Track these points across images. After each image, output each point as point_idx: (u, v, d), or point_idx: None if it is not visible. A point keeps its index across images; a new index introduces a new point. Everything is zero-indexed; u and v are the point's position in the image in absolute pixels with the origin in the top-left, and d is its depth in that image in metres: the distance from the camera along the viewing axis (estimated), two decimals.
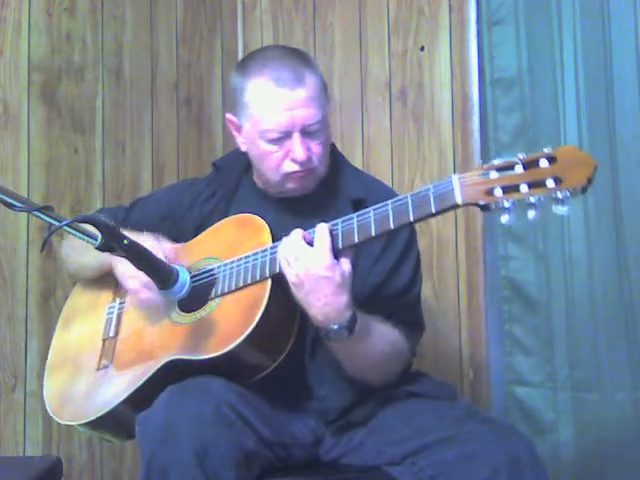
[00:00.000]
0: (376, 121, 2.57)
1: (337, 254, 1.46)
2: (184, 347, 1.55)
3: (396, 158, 2.52)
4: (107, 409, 1.58)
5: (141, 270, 1.47)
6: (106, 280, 1.75)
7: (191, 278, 1.51)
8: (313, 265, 1.44)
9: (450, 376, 2.34)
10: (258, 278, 1.54)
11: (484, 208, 1.33)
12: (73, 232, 1.43)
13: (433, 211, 1.38)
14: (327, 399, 1.63)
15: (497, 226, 2.30)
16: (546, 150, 1.31)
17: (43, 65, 2.22)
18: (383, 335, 1.55)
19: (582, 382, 2.16)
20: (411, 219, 1.40)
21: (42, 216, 1.42)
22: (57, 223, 1.41)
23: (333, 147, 1.76)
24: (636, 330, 2.09)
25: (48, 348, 1.82)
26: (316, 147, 1.63)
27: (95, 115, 2.37)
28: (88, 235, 1.42)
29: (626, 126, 2.11)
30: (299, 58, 1.65)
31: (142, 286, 1.60)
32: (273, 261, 1.53)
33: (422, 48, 2.50)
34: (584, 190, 1.27)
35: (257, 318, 1.48)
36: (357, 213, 1.47)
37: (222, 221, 1.71)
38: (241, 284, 1.56)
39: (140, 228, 1.69)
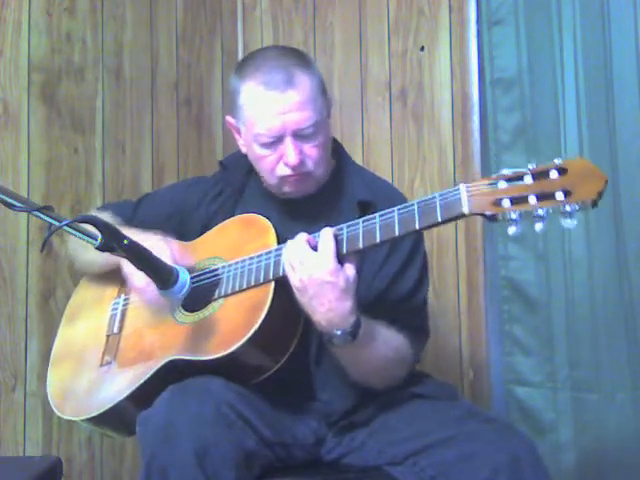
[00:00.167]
0: (376, 121, 2.57)
1: (341, 259, 1.45)
2: (186, 347, 1.55)
3: (396, 158, 2.52)
4: (109, 406, 1.58)
5: (141, 270, 1.47)
6: (111, 276, 1.74)
7: (195, 277, 1.51)
8: (317, 270, 1.44)
9: (450, 376, 2.34)
10: (262, 280, 1.53)
11: (491, 219, 1.31)
12: (73, 232, 1.43)
13: (439, 220, 1.36)
14: (330, 403, 1.63)
15: (497, 226, 2.30)
16: (557, 161, 1.29)
17: (43, 65, 2.22)
18: (387, 340, 1.54)
19: (582, 382, 2.16)
20: (417, 227, 1.39)
21: (42, 216, 1.42)
22: (57, 223, 1.41)
23: (339, 147, 1.75)
24: (636, 330, 2.09)
25: (48, 348, 1.82)
26: (311, 150, 1.61)
27: (95, 115, 2.37)
28: (88, 235, 1.42)
29: (626, 126, 2.11)
30: (295, 59, 1.62)
31: (148, 284, 1.59)
32: (277, 264, 1.52)
33: (422, 48, 2.50)
34: (594, 204, 1.24)
35: (260, 320, 1.47)
36: (363, 219, 1.46)
37: (227, 221, 1.71)
38: (245, 286, 1.55)
39: (147, 225, 1.69)
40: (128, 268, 1.64)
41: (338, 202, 1.70)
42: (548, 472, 1.43)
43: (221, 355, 1.47)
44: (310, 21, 2.71)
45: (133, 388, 1.56)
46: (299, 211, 1.69)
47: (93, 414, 1.60)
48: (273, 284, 1.52)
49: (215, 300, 1.59)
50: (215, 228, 1.72)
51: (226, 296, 1.58)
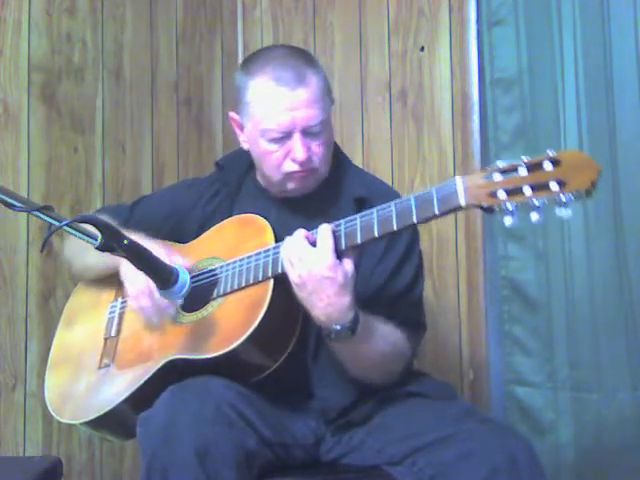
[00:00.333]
0: (376, 121, 2.57)
1: (340, 255, 1.46)
2: (185, 346, 1.55)
3: (396, 158, 2.52)
4: (108, 408, 1.58)
5: (141, 270, 1.47)
6: (108, 279, 1.75)
7: (193, 278, 1.51)
8: (316, 265, 1.44)
9: (450, 376, 2.34)
10: (260, 278, 1.54)
11: (487, 210, 1.33)
12: (73, 232, 1.43)
13: (436, 212, 1.38)
14: (328, 399, 1.63)
15: (497, 226, 2.30)
16: (550, 153, 1.30)
17: (43, 65, 2.22)
18: (385, 335, 1.55)
19: (582, 382, 2.16)
20: (414, 220, 1.40)
21: (42, 216, 1.42)
22: (57, 223, 1.41)
23: (337, 147, 1.76)
24: (636, 330, 2.09)
25: (48, 348, 1.82)
26: (317, 147, 1.63)
27: (95, 115, 2.38)
28: (88, 235, 1.42)
29: (626, 126, 2.11)
30: (303, 58, 1.65)
31: (140, 293, 1.59)
32: (276, 261, 1.53)
33: (422, 48, 2.50)
34: (588, 193, 1.26)
35: (259, 318, 1.48)
36: (360, 214, 1.47)
37: (225, 221, 1.71)
38: (243, 284, 1.56)
39: (143, 227, 1.69)
40: (124, 272, 1.64)
41: (335, 199, 1.70)
42: (545, 473, 1.43)
43: (221, 353, 1.48)
44: (310, 21, 2.71)
45: (132, 389, 1.56)
46: (297, 209, 1.70)
47: (92, 417, 1.60)
48: (272, 282, 1.52)
49: (214, 299, 1.59)
50: (212, 229, 1.73)
51: (225, 295, 1.58)
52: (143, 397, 1.51)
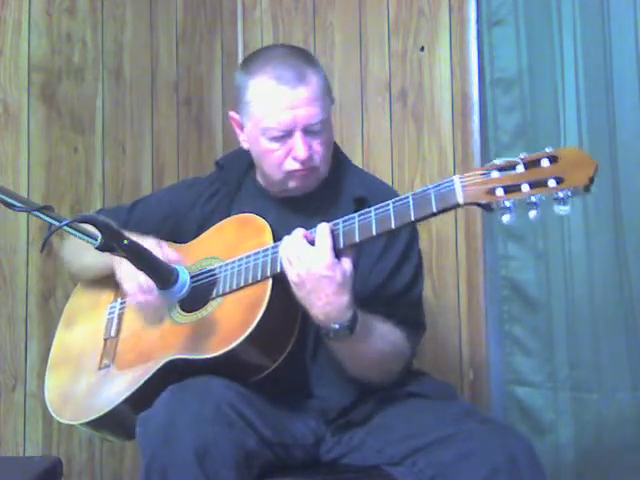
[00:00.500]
0: (376, 121, 2.57)
1: (338, 253, 1.46)
2: (185, 347, 1.55)
3: (396, 158, 2.52)
4: (108, 409, 1.58)
5: (141, 270, 1.47)
6: (107, 280, 1.74)
7: (192, 278, 1.51)
8: (314, 264, 1.44)
9: (450, 376, 2.34)
10: (259, 277, 1.54)
11: (485, 208, 1.33)
12: (73, 232, 1.43)
13: (434, 210, 1.38)
14: (327, 399, 1.63)
15: (497, 226, 2.30)
16: (547, 150, 1.31)
17: (43, 65, 2.22)
18: (384, 335, 1.55)
19: (582, 382, 2.16)
20: (412, 218, 1.40)
21: (42, 216, 1.42)
22: (57, 223, 1.41)
23: (336, 147, 1.76)
24: (636, 330, 2.09)
25: (48, 348, 1.82)
26: (318, 146, 1.63)
27: (95, 115, 2.38)
28: (88, 235, 1.42)
29: (626, 126, 2.11)
30: (303, 57, 1.65)
31: (140, 290, 1.60)
32: (274, 260, 1.53)
33: (422, 48, 2.50)
34: (586, 189, 1.27)
35: (258, 317, 1.48)
36: (358, 213, 1.47)
37: (223, 221, 1.71)
38: (242, 284, 1.56)
39: (142, 228, 1.69)
40: (120, 272, 1.65)
41: (335, 199, 1.70)
42: (545, 473, 1.43)
43: (220, 353, 1.47)
44: (310, 21, 2.71)
45: (133, 390, 1.56)
46: (296, 208, 1.70)
47: (92, 417, 1.60)
48: (271, 281, 1.52)
49: (213, 299, 1.59)
50: (211, 229, 1.73)
51: (224, 295, 1.58)
52: (143, 397, 1.51)
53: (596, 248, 2.14)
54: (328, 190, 1.71)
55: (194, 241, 1.74)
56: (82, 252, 1.73)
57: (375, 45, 2.58)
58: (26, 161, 2.16)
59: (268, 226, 1.62)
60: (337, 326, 1.46)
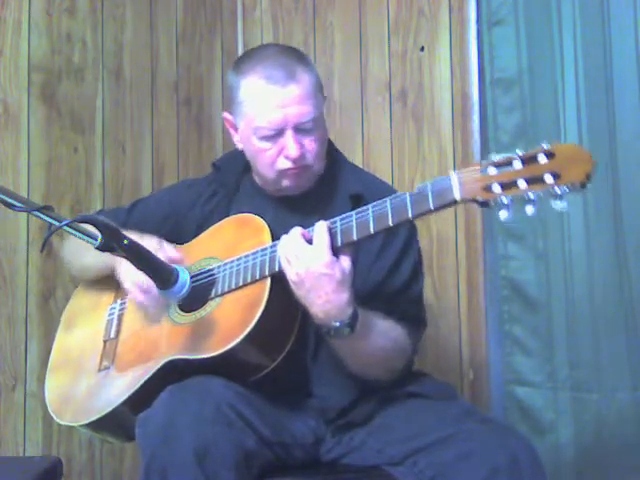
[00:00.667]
0: (376, 121, 2.57)
1: (336, 252, 1.46)
2: (184, 347, 1.55)
3: (396, 158, 2.52)
4: (108, 410, 1.58)
5: (141, 270, 1.47)
6: (107, 281, 1.75)
7: (192, 278, 1.51)
8: (313, 263, 1.44)
9: (450, 376, 2.34)
10: (258, 277, 1.54)
11: (482, 204, 1.34)
12: (73, 232, 1.43)
13: (431, 207, 1.38)
14: (327, 398, 1.63)
15: (497, 226, 2.30)
16: (544, 146, 1.31)
17: (43, 65, 2.22)
18: (385, 332, 1.55)
19: (582, 382, 2.16)
20: (410, 216, 1.40)
21: (42, 216, 1.42)
22: (57, 223, 1.40)
23: (331, 144, 1.76)
24: (636, 330, 2.09)
25: (48, 349, 1.82)
26: (310, 144, 1.63)
27: (95, 115, 2.38)
28: (88, 235, 1.42)
29: (626, 126, 2.11)
30: (293, 56, 1.65)
31: (140, 289, 1.60)
32: (273, 260, 1.53)
33: (422, 48, 2.50)
34: (583, 185, 1.27)
35: (257, 317, 1.48)
36: (356, 210, 1.47)
37: (222, 221, 1.71)
38: (241, 283, 1.56)
39: (141, 229, 1.69)
40: (121, 271, 1.65)
41: (331, 197, 1.70)
42: (546, 473, 1.43)
43: (219, 353, 1.47)
44: (310, 21, 2.71)
45: (132, 390, 1.56)
46: (293, 207, 1.70)
47: (93, 418, 1.60)
48: (269, 281, 1.52)
49: (212, 299, 1.59)
50: (210, 229, 1.73)
51: (223, 294, 1.58)
52: (143, 398, 1.51)
53: (596, 248, 2.14)
54: (324, 188, 1.71)
55: (193, 241, 1.74)
56: (82, 252, 1.74)
57: (375, 45, 2.58)
58: (26, 161, 2.16)
59: (266, 226, 1.61)
60: (337, 324, 1.46)
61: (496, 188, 1.31)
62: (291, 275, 1.47)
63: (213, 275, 1.62)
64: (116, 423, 1.62)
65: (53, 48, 2.25)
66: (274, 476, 1.50)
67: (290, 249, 1.48)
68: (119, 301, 1.75)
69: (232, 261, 1.60)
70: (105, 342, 1.71)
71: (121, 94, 2.47)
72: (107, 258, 1.60)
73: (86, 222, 1.42)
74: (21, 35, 2.16)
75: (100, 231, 1.40)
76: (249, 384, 1.53)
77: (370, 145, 2.57)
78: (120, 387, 1.59)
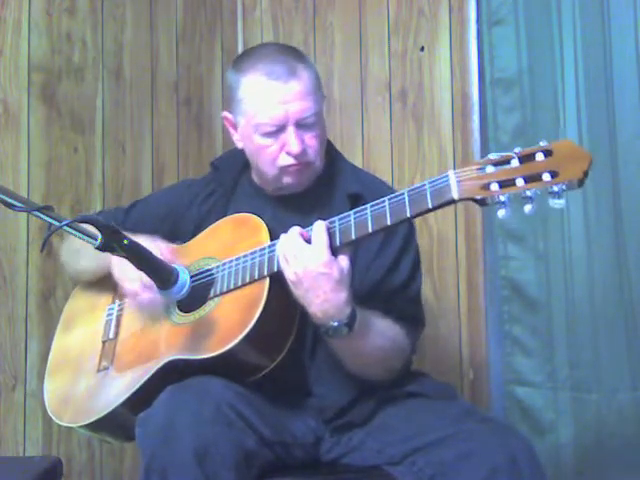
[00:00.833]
0: (376, 121, 2.57)
1: (335, 251, 1.46)
2: (183, 347, 1.55)
3: (396, 158, 2.52)
4: (107, 411, 1.58)
5: (141, 270, 1.47)
6: (105, 282, 1.74)
7: (190, 278, 1.51)
8: (311, 262, 1.45)
9: (450, 376, 2.34)
10: (256, 277, 1.54)
11: (480, 203, 1.34)
12: (73, 232, 1.43)
13: (430, 206, 1.38)
14: (325, 397, 1.63)
15: (497, 227, 2.30)
16: (542, 144, 1.32)
17: (43, 65, 2.22)
18: (383, 331, 1.55)
19: (582, 382, 2.16)
20: (408, 215, 1.41)
21: (42, 216, 1.42)
22: (57, 223, 1.40)
23: (329, 144, 1.76)
24: (636, 330, 2.09)
25: (48, 348, 1.82)
26: (311, 140, 1.63)
27: (95, 115, 2.38)
28: (88, 235, 1.42)
29: (626, 126, 2.11)
30: (293, 54, 1.66)
31: (139, 288, 1.60)
32: (271, 259, 1.53)
33: (422, 48, 2.50)
34: (581, 183, 1.27)
35: (256, 317, 1.48)
36: (354, 210, 1.47)
37: (220, 221, 1.71)
38: (239, 283, 1.56)
39: (139, 229, 1.69)
40: (119, 271, 1.65)
41: (330, 197, 1.70)
42: (545, 473, 1.43)
43: (219, 353, 1.47)
44: (310, 21, 2.71)
45: (132, 391, 1.56)
46: (292, 207, 1.70)
47: (92, 419, 1.60)
48: (268, 281, 1.52)
49: (211, 299, 1.59)
50: (208, 229, 1.73)
51: (222, 294, 1.58)
52: (142, 398, 1.51)
53: (596, 248, 2.14)
54: (322, 187, 1.71)
55: (191, 241, 1.74)
56: (78, 255, 1.75)
57: (375, 45, 2.58)
58: (26, 161, 2.16)
59: (264, 225, 1.61)
60: (336, 323, 1.46)
61: (494, 186, 1.31)
62: (289, 275, 1.48)
63: (212, 275, 1.62)
64: (115, 424, 1.62)
65: (53, 48, 2.25)
66: (274, 476, 1.50)
67: (288, 248, 1.48)
68: (117, 301, 1.75)
69: (231, 261, 1.60)
70: (104, 343, 1.71)
71: (121, 94, 2.47)
72: (101, 261, 1.61)
73: (86, 222, 1.42)
74: (21, 35, 2.16)
75: (100, 231, 1.40)
76: (249, 384, 1.52)
77: (370, 145, 2.57)
78: (119, 388, 1.59)
